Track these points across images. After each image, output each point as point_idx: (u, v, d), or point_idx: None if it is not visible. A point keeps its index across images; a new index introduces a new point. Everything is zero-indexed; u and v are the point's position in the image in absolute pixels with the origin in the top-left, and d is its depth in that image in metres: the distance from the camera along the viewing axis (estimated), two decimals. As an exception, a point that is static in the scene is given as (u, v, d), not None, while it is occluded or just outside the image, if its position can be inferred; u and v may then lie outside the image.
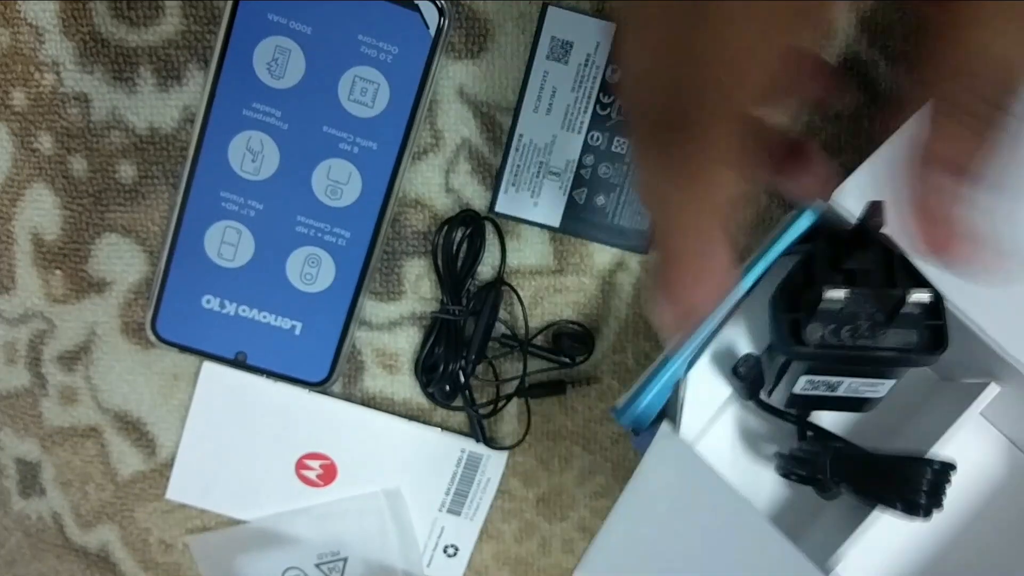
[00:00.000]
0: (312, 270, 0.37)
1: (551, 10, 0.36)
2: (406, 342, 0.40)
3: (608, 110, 0.37)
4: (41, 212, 0.38)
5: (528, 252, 0.38)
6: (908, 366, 0.30)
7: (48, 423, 0.41)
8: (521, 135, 0.37)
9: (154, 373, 0.40)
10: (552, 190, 0.37)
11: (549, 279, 0.39)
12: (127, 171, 0.38)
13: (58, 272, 0.39)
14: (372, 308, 0.39)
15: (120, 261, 0.39)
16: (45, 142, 0.37)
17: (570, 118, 0.37)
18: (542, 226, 0.38)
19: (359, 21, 0.35)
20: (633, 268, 0.38)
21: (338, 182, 0.36)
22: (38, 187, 0.38)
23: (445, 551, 0.41)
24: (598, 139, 0.37)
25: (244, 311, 0.37)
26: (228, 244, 0.37)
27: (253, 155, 0.36)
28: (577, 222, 0.37)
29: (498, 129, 0.37)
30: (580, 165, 0.37)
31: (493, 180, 0.38)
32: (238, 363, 0.38)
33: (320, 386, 0.38)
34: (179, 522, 0.41)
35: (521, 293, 0.39)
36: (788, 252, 0.31)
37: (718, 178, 0.20)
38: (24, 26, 0.36)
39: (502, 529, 0.42)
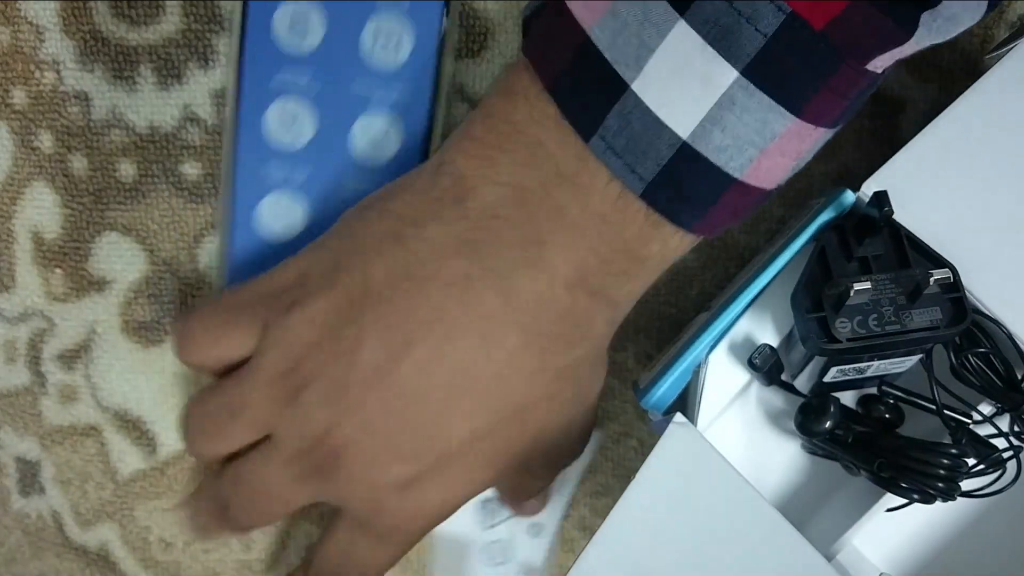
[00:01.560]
0: (380, 137, 0.36)
1: None
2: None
3: None
4: (41, 211, 0.38)
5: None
6: (937, 342, 0.31)
7: (48, 422, 0.41)
8: None
9: (154, 372, 0.40)
10: None
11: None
12: (127, 170, 0.38)
13: (58, 271, 0.39)
14: (372, 307, 0.39)
15: (120, 260, 0.39)
16: (45, 140, 0.38)
17: None
18: None
19: None
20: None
21: (377, 137, 0.36)
22: (38, 185, 0.38)
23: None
24: None
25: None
26: (280, 218, 0.36)
27: (289, 122, 0.35)
28: None
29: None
30: None
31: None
32: None
33: None
34: (179, 520, 0.41)
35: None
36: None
37: None
38: (24, 24, 0.36)
39: (502, 528, 0.42)
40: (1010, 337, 0.30)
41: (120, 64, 0.37)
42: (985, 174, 0.31)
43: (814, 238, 0.31)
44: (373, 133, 0.35)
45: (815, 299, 0.30)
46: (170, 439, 0.40)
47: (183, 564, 0.42)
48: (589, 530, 0.42)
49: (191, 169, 0.38)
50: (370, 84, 0.35)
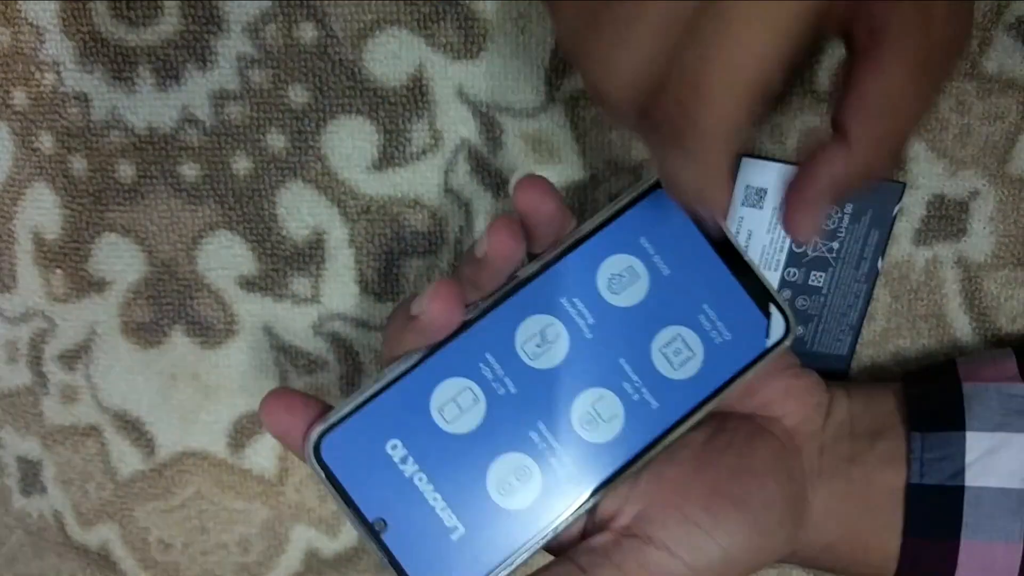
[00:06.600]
0: (514, 482, 0.31)
1: (745, 160, 0.36)
2: (405, 342, 0.40)
3: (803, 248, 0.38)
4: (42, 211, 0.38)
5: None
6: None
7: (49, 421, 0.41)
8: None
9: (153, 373, 0.40)
10: None
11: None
12: (126, 171, 0.38)
13: (58, 271, 0.39)
14: (372, 308, 0.39)
15: (120, 261, 0.39)
16: (45, 141, 0.38)
17: (766, 257, 0.37)
18: None
19: (712, 292, 0.32)
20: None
21: (599, 416, 0.31)
22: (39, 186, 0.38)
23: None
24: (794, 275, 0.38)
25: (420, 480, 0.30)
26: (456, 406, 0.31)
27: (541, 341, 0.32)
28: None
29: (498, 129, 0.37)
30: None
31: (492, 180, 0.38)
32: (370, 529, 0.30)
33: None
34: (179, 521, 0.42)
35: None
36: None
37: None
38: (25, 25, 0.36)
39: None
40: None
41: (119, 65, 0.37)
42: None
43: None
44: (600, 410, 0.32)
45: None
46: (168, 440, 0.41)
47: (182, 565, 0.42)
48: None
49: (190, 170, 0.38)
50: (636, 371, 0.32)
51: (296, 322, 0.39)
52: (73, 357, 0.40)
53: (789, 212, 0.29)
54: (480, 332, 0.31)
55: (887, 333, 0.39)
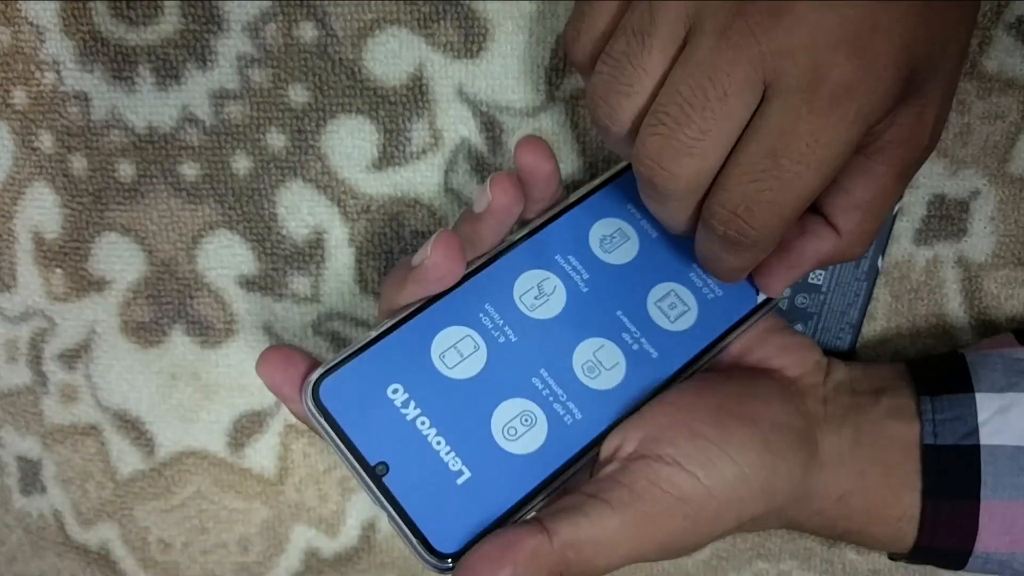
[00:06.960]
0: (519, 426, 0.31)
1: None
2: (405, 342, 0.39)
3: None
4: (42, 210, 0.38)
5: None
6: None
7: (49, 421, 0.41)
8: None
9: (153, 372, 0.40)
10: None
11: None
12: (126, 170, 0.38)
13: (58, 270, 0.39)
14: (372, 308, 0.39)
15: (119, 260, 0.39)
16: (45, 141, 0.38)
17: None
18: None
19: None
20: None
21: (600, 364, 0.32)
22: (39, 186, 0.38)
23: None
24: None
25: (423, 424, 0.30)
26: (457, 352, 0.31)
27: (539, 294, 0.32)
28: None
29: (498, 128, 0.37)
30: None
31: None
32: (372, 474, 0.29)
33: (440, 562, 0.28)
34: (178, 521, 0.42)
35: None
36: None
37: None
38: (25, 25, 0.36)
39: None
40: None
41: (119, 64, 0.37)
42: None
43: None
44: (602, 358, 0.32)
45: None
46: (168, 439, 0.41)
47: (182, 564, 0.42)
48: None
49: (189, 170, 0.38)
50: (634, 323, 0.33)
51: (296, 321, 0.39)
52: (73, 356, 0.40)
53: (770, 270, 0.32)
54: (478, 285, 0.32)
55: (887, 332, 0.39)
